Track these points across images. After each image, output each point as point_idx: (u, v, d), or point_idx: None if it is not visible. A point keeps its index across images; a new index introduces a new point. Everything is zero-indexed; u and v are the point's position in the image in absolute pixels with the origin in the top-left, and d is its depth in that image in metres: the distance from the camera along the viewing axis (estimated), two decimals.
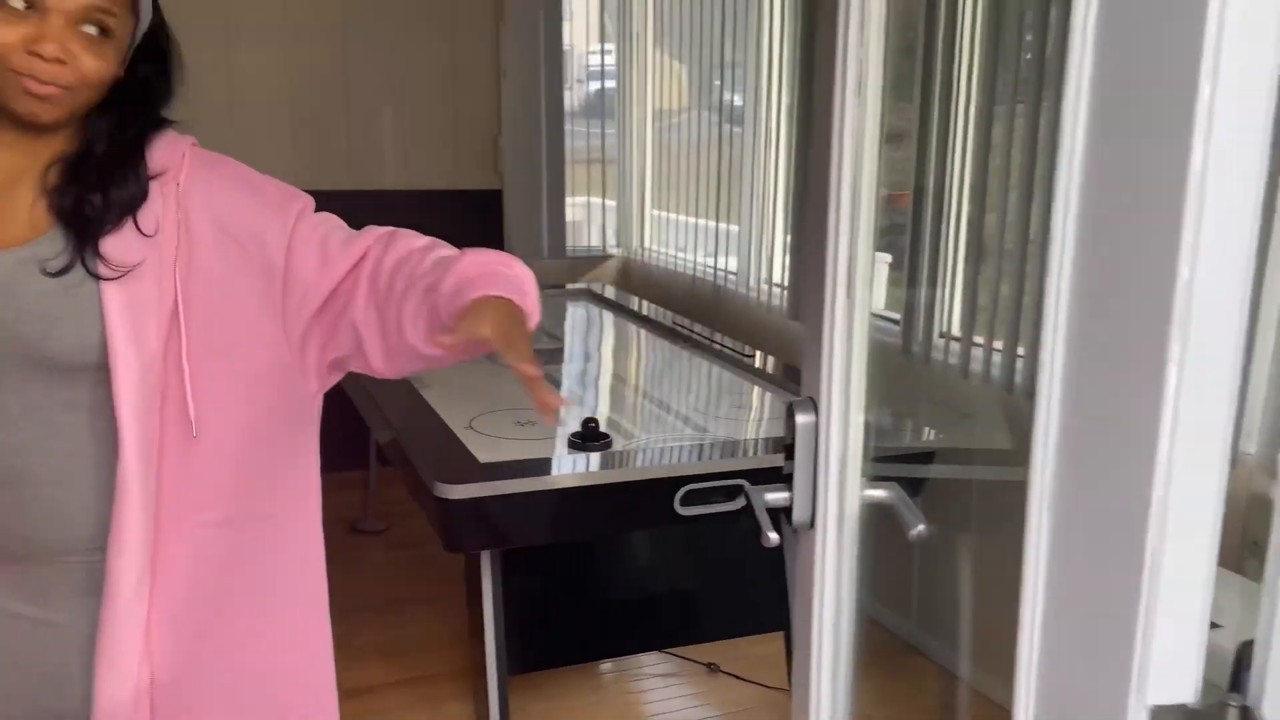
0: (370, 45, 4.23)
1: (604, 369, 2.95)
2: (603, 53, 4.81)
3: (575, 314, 3.79)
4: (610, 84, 4.80)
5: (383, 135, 4.31)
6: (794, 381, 2.75)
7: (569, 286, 4.33)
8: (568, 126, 4.61)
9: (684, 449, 2.19)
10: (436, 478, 1.93)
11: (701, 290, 4.11)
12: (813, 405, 1.25)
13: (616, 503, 2.06)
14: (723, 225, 3.92)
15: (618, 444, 2.25)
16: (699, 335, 3.27)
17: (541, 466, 2.06)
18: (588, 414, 2.45)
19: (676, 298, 4.34)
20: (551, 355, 3.08)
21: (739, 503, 2.17)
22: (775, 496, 1.30)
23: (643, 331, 3.46)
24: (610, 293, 4.07)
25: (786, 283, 3.45)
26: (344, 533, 3.84)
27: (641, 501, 2.09)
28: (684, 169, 4.25)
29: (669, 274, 4.39)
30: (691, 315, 4.13)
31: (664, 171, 4.47)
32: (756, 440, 2.29)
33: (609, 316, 3.74)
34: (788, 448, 1.27)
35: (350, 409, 2.72)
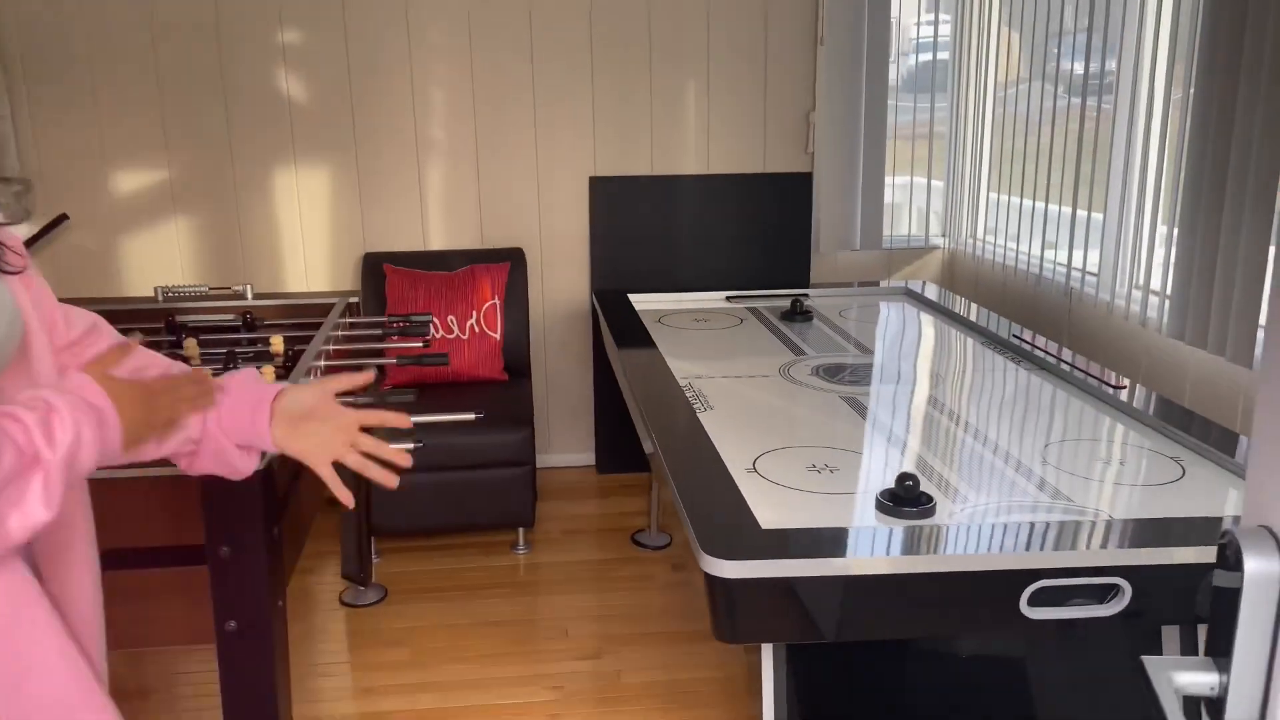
0: (676, 11, 3.89)
1: (920, 393, 2.42)
2: (937, 22, 4.18)
3: (889, 317, 3.25)
4: (943, 55, 4.17)
5: (686, 113, 3.97)
6: (1177, 426, 2.08)
7: (884, 284, 3.78)
8: (891, 102, 4.04)
9: (1035, 528, 1.64)
10: (705, 547, 1.52)
11: (1049, 294, 3.42)
12: (1274, 540, 0.73)
13: (941, 596, 1.56)
14: (1081, 213, 3.21)
15: (942, 509, 1.73)
16: (1046, 353, 2.64)
17: (840, 540, 1.60)
18: (898, 453, 1.94)
19: (1016, 301, 3.66)
20: (857, 371, 2.58)
21: (1114, 606, 1.59)
22: (1193, 679, 0.81)
23: (972, 343, 2.87)
24: (932, 292, 3.48)
25: (1168, 290, 2.72)
26: (623, 543, 3.57)
27: (976, 596, 1.58)
28: (1031, 144, 3.55)
29: (1006, 272, 3.72)
30: (1035, 325, 3.45)
31: (1005, 147, 3.78)
32: (1134, 521, 1.69)
33: (930, 322, 3.17)
34: (1217, 600, 0.77)
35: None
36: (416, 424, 1.62)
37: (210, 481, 1.57)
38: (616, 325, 3.09)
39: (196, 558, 1.64)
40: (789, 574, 1.51)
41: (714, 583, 1.52)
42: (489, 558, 3.49)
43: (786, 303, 3.33)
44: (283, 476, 1.81)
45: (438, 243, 3.97)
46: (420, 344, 2.67)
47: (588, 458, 4.24)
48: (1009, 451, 2.02)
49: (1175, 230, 2.67)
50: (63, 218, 3.69)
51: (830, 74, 3.94)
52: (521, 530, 3.53)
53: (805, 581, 1.52)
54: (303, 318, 2.86)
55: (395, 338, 2.81)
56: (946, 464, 1.96)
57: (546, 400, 4.16)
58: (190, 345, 2.47)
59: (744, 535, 1.58)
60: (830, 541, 1.58)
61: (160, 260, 3.85)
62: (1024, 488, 1.84)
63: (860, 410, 2.29)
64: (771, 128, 4.02)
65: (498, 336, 3.70)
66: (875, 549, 1.55)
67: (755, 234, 4.06)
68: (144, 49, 3.67)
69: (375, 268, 3.81)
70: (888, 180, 4.10)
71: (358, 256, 3.92)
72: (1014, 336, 2.83)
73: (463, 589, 3.27)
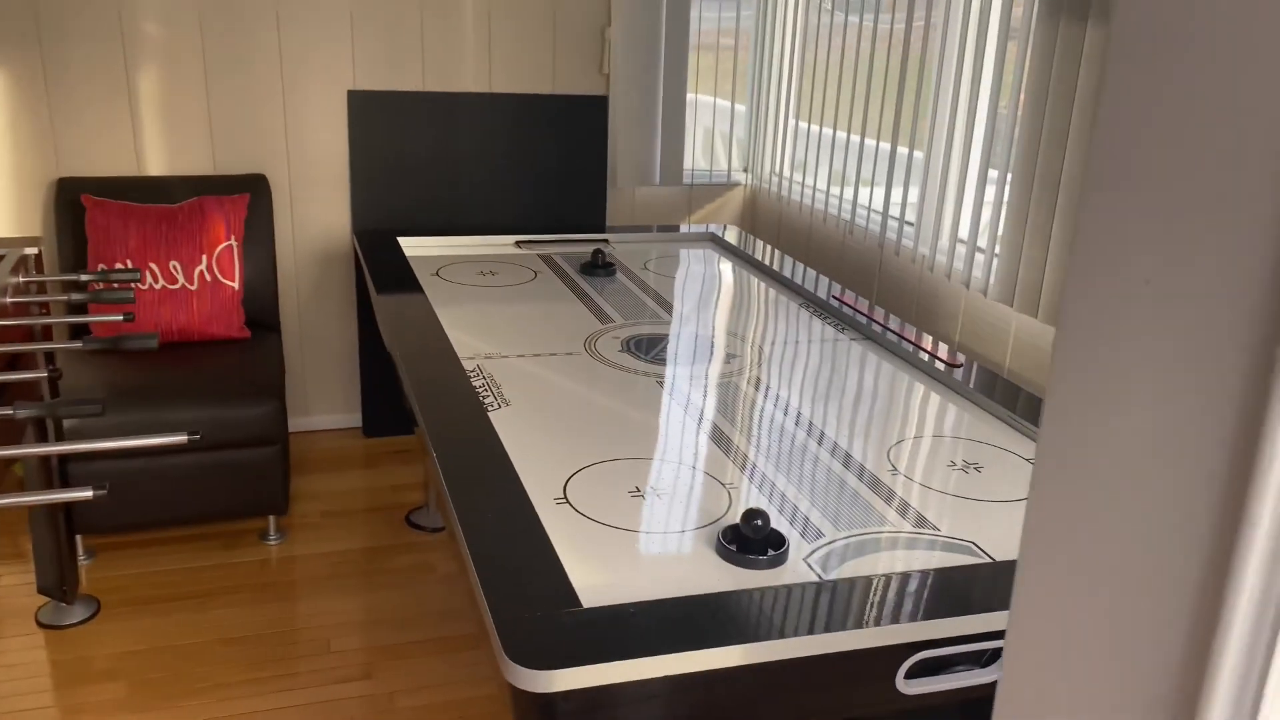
0: None
1: (744, 375, 2.10)
2: None
3: (697, 271, 2.90)
4: None
5: (463, 19, 3.40)
6: (1026, 418, 1.85)
7: (685, 228, 3.43)
8: (694, 12, 3.64)
9: (910, 584, 1.33)
10: (512, 652, 1.11)
11: (860, 243, 3.18)
12: None
13: (807, 681, 1.23)
14: (902, 151, 2.96)
15: (794, 549, 1.40)
16: (870, 318, 2.37)
17: (689, 621, 1.22)
18: (730, 463, 1.59)
19: (822, 249, 3.41)
20: (670, 346, 2.22)
21: (996, 671, 1.32)
22: None
23: (788, 304, 2.57)
24: (737, 237, 3.17)
25: (996, 247, 2.51)
26: (396, 526, 3.10)
27: (848, 678, 1.26)
28: (845, 66, 3.27)
29: (814, 216, 3.46)
30: (843, 277, 3.21)
31: (812, 68, 3.48)
32: (1015, 563, 1.43)
33: (741, 276, 2.85)
34: None
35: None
36: (114, 450, 1.12)
37: None
38: (383, 281, 2.57)
39: None
40: (625, 678, 1.13)
41: (525, 699, 1.11)
42: (231, 553, 2.92)
43: (584, 251, 2.92)
44: None
45: (156, 167, 3.24)
46: (120, 316, 2.06)
47: (353, 419, 3.70)
48: (851, 455, 1.72)
49: (1009, 177, 2.45)
50: None
51: None
52: (272, 518, 2.99)
53: (646, 684, 1.15)
54: None
55: (93, 305, 2.18)
56: (787, 476, 1.63)
57: (301, 356, 3.57)
58: None
59: (562, 627, 1.17)
60: (676, 624, 1.20)
61: None
62: (881, 512, 1.54)
63: (680, 401, 1.92)
64: (562, 43, 3.53)
65: (236, 285, 3.07)
66: (729, 628, 1.19)
67: (545, 165, 3.58)
68: None
69: (73, 200, 3.06)
70: (689, 99, 3.72)
71: (48, 183, 3.14)
72: (833, 298, 2.55)
73: (197, 596, 2.71)
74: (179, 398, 2.74)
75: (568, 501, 1.51)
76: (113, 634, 2.55)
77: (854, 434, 1.82)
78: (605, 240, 3.10)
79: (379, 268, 2.70)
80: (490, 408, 1.83)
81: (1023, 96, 2.39)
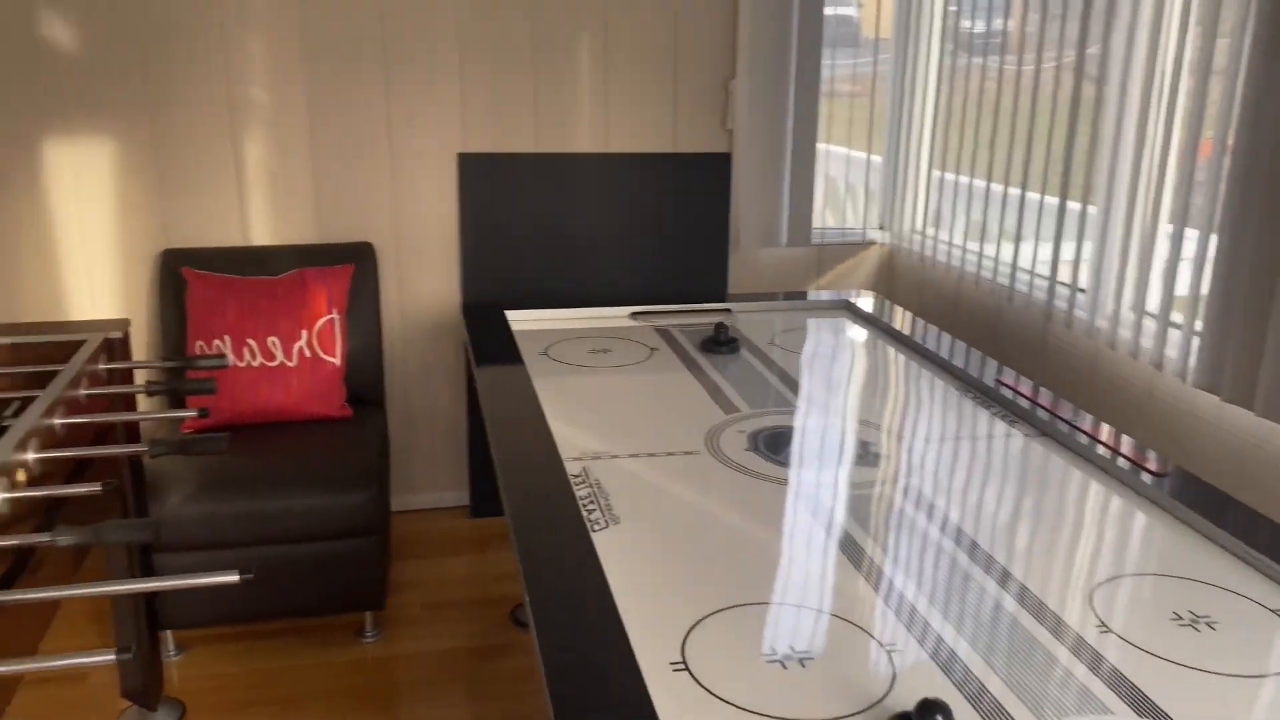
0: None
1: (897, 481, 1.76)
2: None
3: (821, 343, 2.58)
4: None
5: (579, 77, 3.20)
6: (1263, 551, 1.46)
7: (812, 295, 3.11)
8: (827, 60, 3.35)
9: None
10: None
11: (1022, 317, 2.80)
12: None
13: None
14: (1071, 205, 2.59)
15: None
16: (1049, 411, 2.01)
17: None
18: (893, 614, 1.26)
19: (971, 320, 3.04)
20: (804, 444, 1.90)
21: None
22: None
23: (943, 387, 2.23)
24: (875, 306, 2.83)
25: (1196, 322, 2.11)
26: (501, 622, 2.84)
27: None
28: (1003, 111, 2.92)
29: (962, 280, 3.10)
30: (1003, 353, 2.83)
31: (962, 115, 3.14)
32: None
33: (882, 352, 2.51)
34: None
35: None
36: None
37: None
38: (486, 365, 2.34)
39: None
40: None
41: None
42: (325, 651, 2.72)
43: (706, 323, 2.64)
44: None
45: (261, 237, 3.12)
46: (195, 412, 1.87)
47: (460, 497, 3.49)
48: (1044, 603, 1.37)
49: (1214, 238, 2.06)
50: None
51: (754, 32, 3.22)
52: (369, 613, 2.77)
53: None
54: (40, 364, 2.03)
55: (187, 393, 2.01)
56: (958, 629, 1.29)
57: (407, 432, 3.38)
58: None
59: None
60: None
61: None
62: (1096, 694, 1.18)
63: (818, 517, 1.60)
64: (683, 98, 3.29)
65: (337, 361, 2.90)
66: None
67: (663, 228, 3.34)
68: None
69: (177, 272, 2.96)
70: (819, 150, 3.41)
71: (154, 255, 3.05)
72: (998, 381, 2.19)
73: (288, 701, 2.51)
74: (272, 486, 2.57)
75: (687, 668, 1.21)
76: None
77: (1042, 568, 1.46)
78: (727, 310, 2.81)
79: (483, 349, 2.47)
80: (595, 527, 1.55)
81: (1230, 142, 2.00)
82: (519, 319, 2.70)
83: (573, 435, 1.92)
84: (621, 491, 1.68)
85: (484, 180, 3.20)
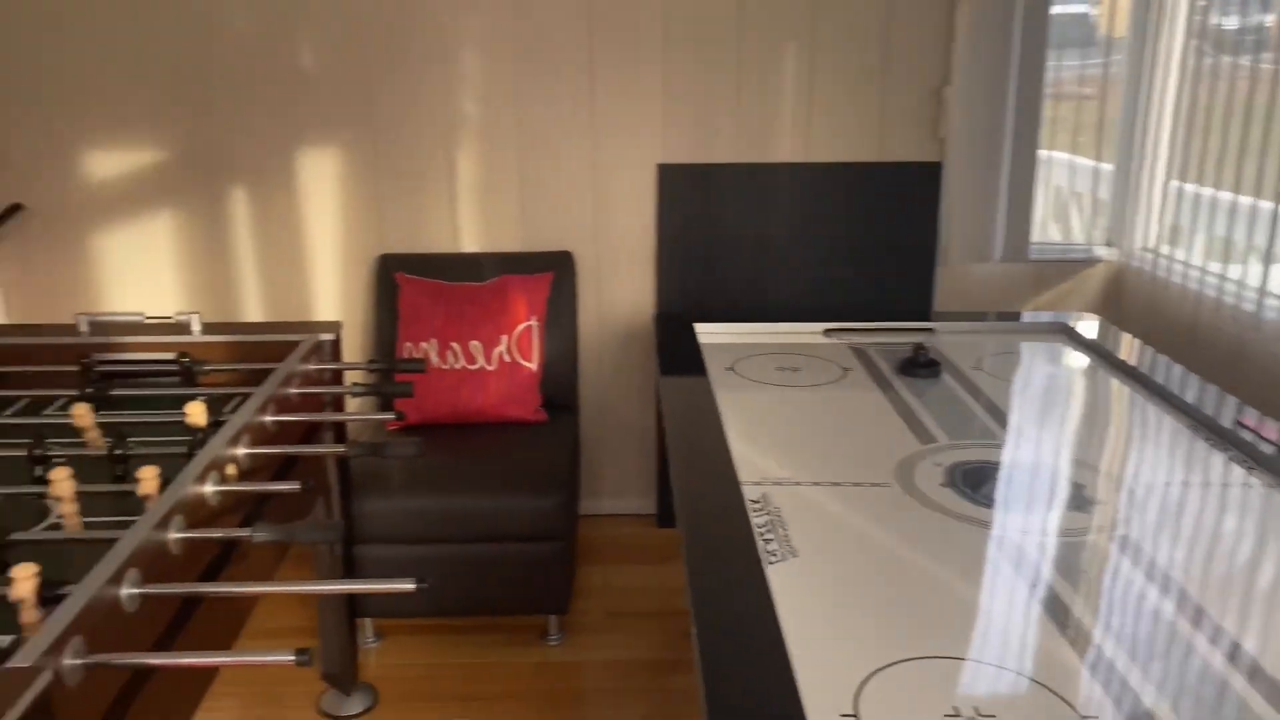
0: None
1: (1103, 527, 1.60)
2: None
3: (1035, 371, 2.39)
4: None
5: (782, 84, 3.13)
6: None
7: (1027, 317, 2.90)
8: (1051, 62, 3.13)
9: None
10: None
11: (1274, 350, 2.50)
12: None
13: None
14: None
15: None
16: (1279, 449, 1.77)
17: None
18: (1108, 699, 1.12)
19: (1212, 351, 2.75)
20: (1011, 481, 1.76)
21: None
22: None
23: (1164, 422, 2.01)
24: (1099, 332, 2.61)
25: None
26: (684, 636, 2.81)
27: None
28: (1254, 116, 2.62)
29: (1200, 305, 2.81)
30: (1253, 395, 2.55)
31: (1207, 119, 2.85)
32: None
33: (1107, 383, 2.30)
34: None
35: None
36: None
37: None
38: (671, 379, 2.31)
39: None
40: None
41: None
42: (511, 651, 2.77)
43: (905, 343, 2.51)
44: (90, 706, 1.12)
45: (471, 244, 3.24)
46: (394, 414, 1.94)
47: (647, 505, 3.50)
48: (1279, 682, 1.19)
49: None
50: (15, 208, 3.08)
51: (972, 35, 3.05)
52: (554, 617, 2.81)
53: None
54: (258, 362, 2.17)
55: (389, 392, 2.10)
56: (1179, 710, 1.14)
57: (597, 438, 3.42)
58: (86, 422, 1.78)
59: None
60: None
61: (121, 274, 3.22)
62: None
63: (1019, 567, 1.47)
64: (892, 105, 3.16)
65: (534, 367, 2.96)
66: None
67: (865, 240, 3.21)
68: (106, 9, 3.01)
69: (392, 275, 3.11)
70: (1041, 156, 3.19)
71: (372, 259, 3.22)
72: (1238, 424, 1.96)
73: (475, 699, 2.57)
74: (467, 486, 2.65)
75: None
76: None
77: (1279, 643, 1.28)
78: (929, 330, 2.66)
79: (669, 361, 2.45)
80: (771, 559, 1.49)
81: None
82: (708, 332, 2.66)
83: (754, 457, 1.86)
84: (802, 522, 1.61)
85: (682, 190, 3.18)
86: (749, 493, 1.71)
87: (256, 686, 2.62)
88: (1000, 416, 2.08)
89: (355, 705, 2.54)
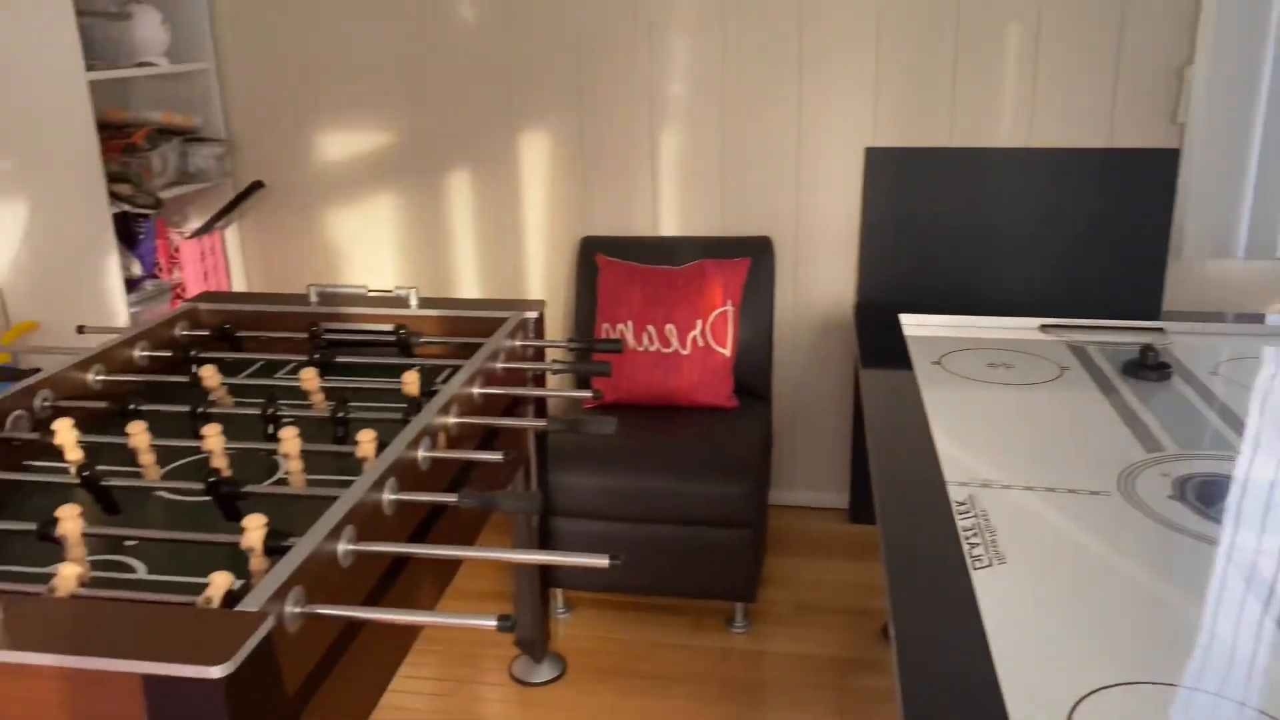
0: None
1: None
2: None
3: (1278, 383, 2.16)
4: None
5: (1004, 64, 2.97)
6: None
7: (1271, 319, 2.63)
8: None
9: None
10: None
11: None
12: None
13: None
14: None
15: None
16: None
17: None
18: None
19: None
20: (1220, 493, 1.60)
21: None
22: None
23: None
24: None
25: None
26: (873, 637, 2.74)
27: None
28: None
29: None
30: None
31: None
32: None
33: None
34: None
35: None
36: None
37: (157, 688, 0.97)
38: (873, 370, 2.24)
39: None
40: None
41: None
42: (696, 634, 2.78)
43: (1131, 343, 2.33)
44: (305, 654, 1.20)
45: (670, 228, 3.25)
46: (591, 393, 1.97)
47: (839, 499, 3.42)
48: None
49: None
50: (257, 185, 3.34)
51: (1221, 11, 2.79)
52: (740, 604, 2.80)
53: None
54: (468, 336, 2.26)
55: (580, 370, 2.14)
56: None
57: (790, 427, 3.37)
58: (313, 386, 1.91)
59: None
60: None
61: (347, 249, 3.42)
62: None
63: (1259, 590, 1.33)
64: (1125, 87, 2.93)
65: (728, 352, 2.95)
66: None
67: (1089, 231, 3.01)
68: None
69: (593, 257, 3.17)
70: None
71: (575, 241, 3.30)
72: None
73: (657, 678, 2.60)
74: (657, 468, 2.67)
75: None
76: (574, 704, 2.52)
77: None
78: (1159, 330, 2.46)
79: (872, 352, 2.38)
80: (977, 564, 1.42)
81: None
82: (914, 324, 2.56)
83: (961, 457, 1.77)
84: (1011, 527, 1.52)
85: (890, 175, 3.08)
86: (954, 493, 1.63)
87: (453, 647, 2.75)
88: (1238, 425, 1.89)
89: (545, 673, 2.62)
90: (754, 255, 3.09)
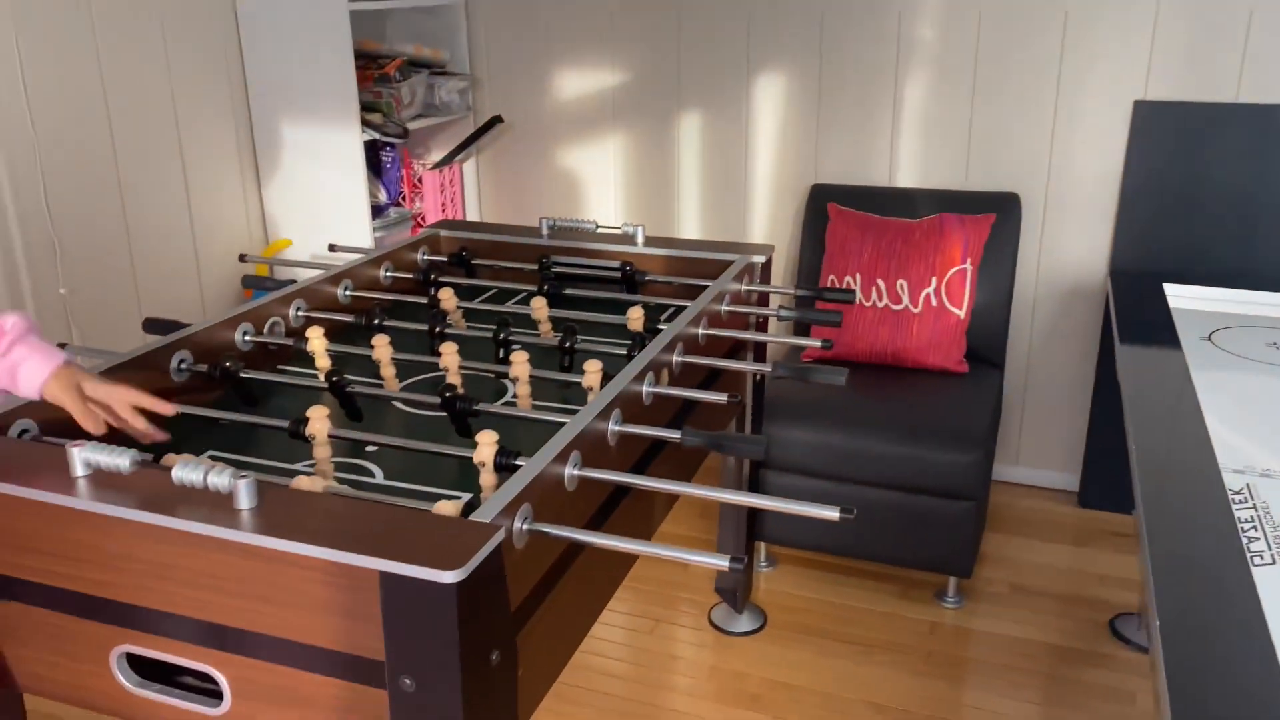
0: None
1: None
2: None
3: None
4: None
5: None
6: None
7: None
8: None
9: None
10: None
11: None
12: None
13: None
14: None
15: None
16: None
17: None
18: None
19: None
20: None
21: None
22: None
23: None
24: None
25: None
26: (1097, 628, 2.54)
27: None
28: None
29: None
30: None
31: None
32: None
33: None
34: None
35: None
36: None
37: (393, 586, 0.99)
38: (1133, 341, 2.04)
39: (376, 676, 1.10)
40: None
41: None
42: (903, 604, 2.67)
43: None
44: (527, 573, 1.20)
45: (907, 179, 3.09)
46: (820, 342, 1.89)
47: (1069, 480, 3.18)
48: None
49: None
50: (496, 120, 3.41)
51: None
52: (954, 579, 2.66)
53: None
54: (693, 277, 2.22)
55: (809, 321, 2.07)
56: None
57: (1021, 400, 3.16)
58: (542, 315, 1.93)
59: None
60: None
61: (578, 184, 3.44)
62: None
63: None
64: None
65: (962, 314, 2.77)
66: None
67: None
68: None
69: (822, 207, 3.05)
70: None
71: (804, 188, 3.19)
72: None
73: (859, 644, 2.51)
74: (878, 430, 2.55)
75: None
76: (771, 658, 2.47)
77: None
78: None
79: (1131, 321, 2.17)
80: (1257, 560, 1.25)
81: None
82: (1180, 295, 2.32)
83: (1237, 443, 1.58)
84: None
85: (1161, 132, 2.78)
86: (1230, 482, 1.45)
87: (655, 587, 2.76)
88: None
89: (745, 624, 2.59)
90: (999, 212, 2.88)
